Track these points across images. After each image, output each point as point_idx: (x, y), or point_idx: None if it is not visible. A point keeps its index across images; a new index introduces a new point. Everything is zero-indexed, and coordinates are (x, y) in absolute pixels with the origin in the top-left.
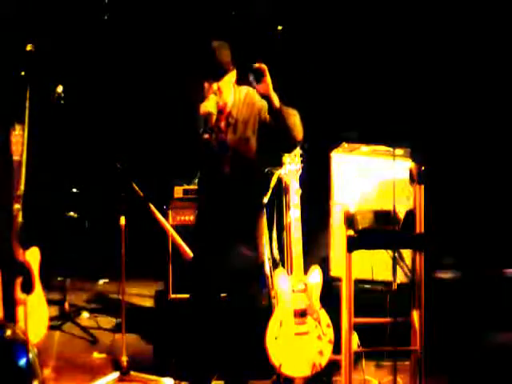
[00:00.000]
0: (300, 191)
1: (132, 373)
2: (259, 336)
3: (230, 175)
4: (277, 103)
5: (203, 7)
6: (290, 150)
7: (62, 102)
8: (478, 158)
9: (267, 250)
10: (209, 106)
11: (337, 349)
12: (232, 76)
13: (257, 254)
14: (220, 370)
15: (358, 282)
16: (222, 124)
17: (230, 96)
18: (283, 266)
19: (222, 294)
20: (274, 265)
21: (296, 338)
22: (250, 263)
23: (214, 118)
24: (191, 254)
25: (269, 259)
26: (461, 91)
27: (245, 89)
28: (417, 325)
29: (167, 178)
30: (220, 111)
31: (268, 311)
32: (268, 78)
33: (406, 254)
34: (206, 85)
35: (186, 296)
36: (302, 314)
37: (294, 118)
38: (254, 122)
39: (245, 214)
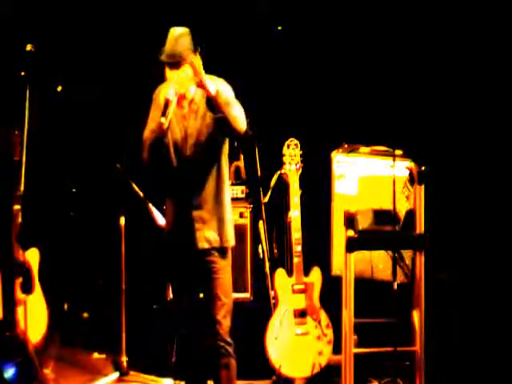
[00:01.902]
0: (300, 191)
1: (132, 373)
2: (259, 336)
3: (191, 161)
4: (211, 92)
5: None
6: (237, 140)
7: (62, 101)
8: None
9: (267, 249)
10: (168, 93)
11: (337, 349)
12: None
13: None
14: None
15: (358, 281)
16: (186, 111)
17: (192, 83)
18: (283, 266)
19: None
20: (274, 265)
21: (296, 339)
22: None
23: (173, 105)
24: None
25: (269, 259)
26: (461, 91)
27: (210, 76)
28: (417, 325)
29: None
30: (181, 97)
31: (268, 311)
32: (198, 68)
33: (406, 254)
34: (167, 71)
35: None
36: (301, 314)
37: (231, 109)
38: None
39: (204, 198)
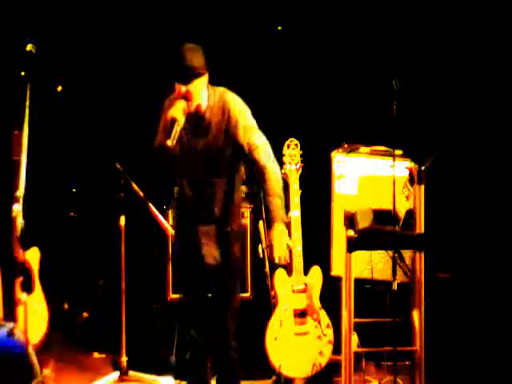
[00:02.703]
0: (300, 191)
1: (132, 373)
2: (259, 336)
3: (200, 177)
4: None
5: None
6: None
7: (62, 101)
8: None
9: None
10: (175, 111)
11: (337, 349)
12: (204, 79)
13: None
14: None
15: (358, 281)
16: (199, 128)
17: (203, 98)
18: (283, 265)
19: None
20: (274, 265)
21: (296, 338)
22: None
23: (180, 124)
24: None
25: (269, 259)
26: (461, 92)
27: (221, 91)
28: (417, 325)
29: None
30: (192, 114)
31: (268, 311)
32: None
33: (406, 254)
34: (177, 87)
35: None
36: (301, 314)
37: (280, 197)
38: (227, 127)
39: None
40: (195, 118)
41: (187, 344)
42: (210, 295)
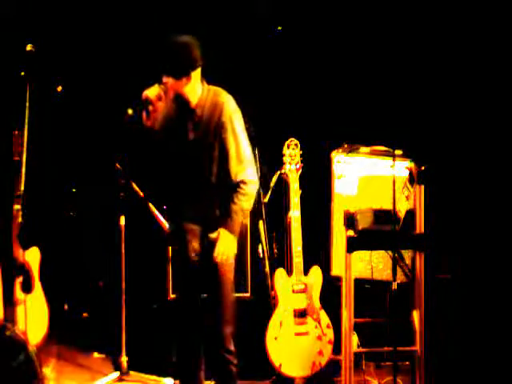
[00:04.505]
0: (300, 191)
1: (132, 373)
2: (259, 336)
3: (188, 172)
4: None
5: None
6: None
7: (62, 101)
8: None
9: (267, 249)
10: (150, 92)
11: (337, 349)
12: (196, 74)
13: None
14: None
15: (358, 281)
16: (189, 123)
17: (195, 94)
18: (283, 266)
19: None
20: (274, 265)
21: (296, 338)
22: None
23: (151, 106)
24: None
25: (269, 259)
26: (461, 91)
27: (216, 90)
28: (417, 325)
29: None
30: (183, 106)
31: (268, 311)
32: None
33: (406, 253)
34: (164, 79)
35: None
36: (301, 314)
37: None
38: (216, 127)
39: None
40: (186, 112)
41: (175, 344)
42: (204, 296)
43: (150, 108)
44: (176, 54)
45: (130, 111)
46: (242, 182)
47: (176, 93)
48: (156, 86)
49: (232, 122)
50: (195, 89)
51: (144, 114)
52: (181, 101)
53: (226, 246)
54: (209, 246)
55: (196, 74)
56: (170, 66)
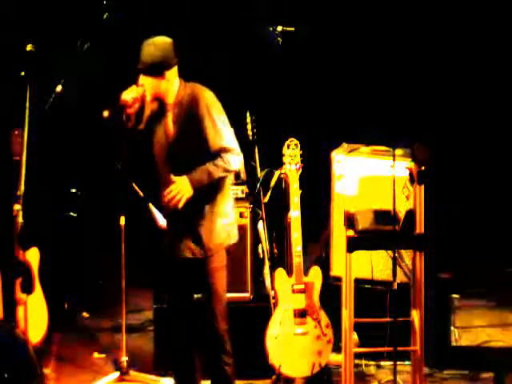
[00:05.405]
0: (300, 191)
1: (132, 373)
2: (259, 336)
3: (174, 171)
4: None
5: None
6: None
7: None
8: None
9: (267, 249)
10: (126, 94)
11: (337, 349)
12: (172, 73)
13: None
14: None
15: (358, 281)
16: (168, 121)
17: (172, 92)
18: (283, 266)
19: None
20: (274, 265)
21: (296, 338)
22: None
23: (129, 108)
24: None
25: (269, 259)
26: (460, 92)
27: (192, 86)
28: (417, 325)
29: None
30: (160, 105)
31: (268, 311)
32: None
33: (406, 254)
34: (140, 81)
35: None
36: (301, 314)
37: (214, 175)
38: (195, 119)
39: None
40: (166, 111)
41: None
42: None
43: (128, 110)
44: (149, 54)
45: (105, 113)
46: (223, 149)
47: (153, 93)
48: (133, 87)
49: (210, 113)
50: (172, 87)
51: (124, 116)
52: (159, 100)
53: (177, 189)
54: (197, 240)
55: (171, 73)
56: (144, 66)
